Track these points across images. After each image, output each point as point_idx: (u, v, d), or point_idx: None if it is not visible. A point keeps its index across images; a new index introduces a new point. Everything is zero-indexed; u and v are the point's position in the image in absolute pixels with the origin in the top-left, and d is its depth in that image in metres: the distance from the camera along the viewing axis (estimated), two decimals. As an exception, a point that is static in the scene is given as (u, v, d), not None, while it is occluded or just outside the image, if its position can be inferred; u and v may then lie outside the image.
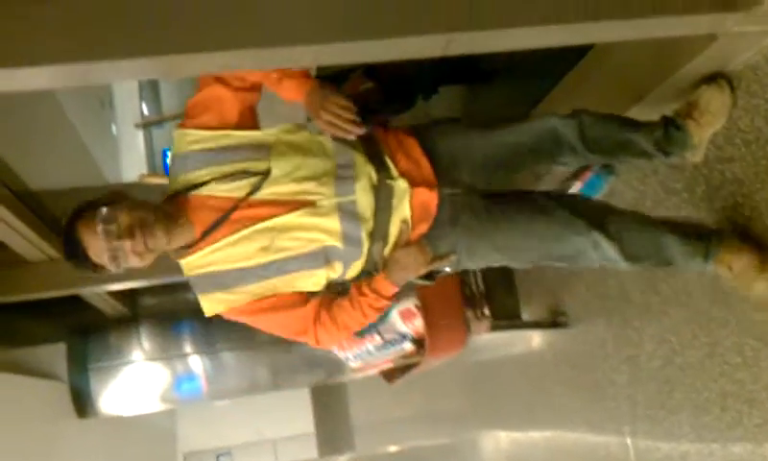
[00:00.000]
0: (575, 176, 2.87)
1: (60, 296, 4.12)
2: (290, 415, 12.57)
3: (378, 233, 1.99)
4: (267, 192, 1.89)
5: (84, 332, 5.30)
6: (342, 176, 1.94)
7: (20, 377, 5.09)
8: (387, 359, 3.82)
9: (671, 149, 2.19)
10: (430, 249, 2.06)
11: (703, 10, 1.68)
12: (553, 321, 3.77)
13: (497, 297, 4.03)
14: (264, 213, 1.89)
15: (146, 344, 5.37)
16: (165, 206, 1.91)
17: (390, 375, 4.09)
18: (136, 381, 5.38)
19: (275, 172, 1.89)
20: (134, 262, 1.83)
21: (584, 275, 3.42)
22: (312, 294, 2.05)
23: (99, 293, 4.55)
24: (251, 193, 1.88)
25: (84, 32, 1.43)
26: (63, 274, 3.89)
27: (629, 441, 3.24)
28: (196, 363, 5.42)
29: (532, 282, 4.08)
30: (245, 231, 1.89)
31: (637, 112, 2.38)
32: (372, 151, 2.02)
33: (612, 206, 2.24)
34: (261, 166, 1.89)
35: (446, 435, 6.54)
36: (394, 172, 1.99)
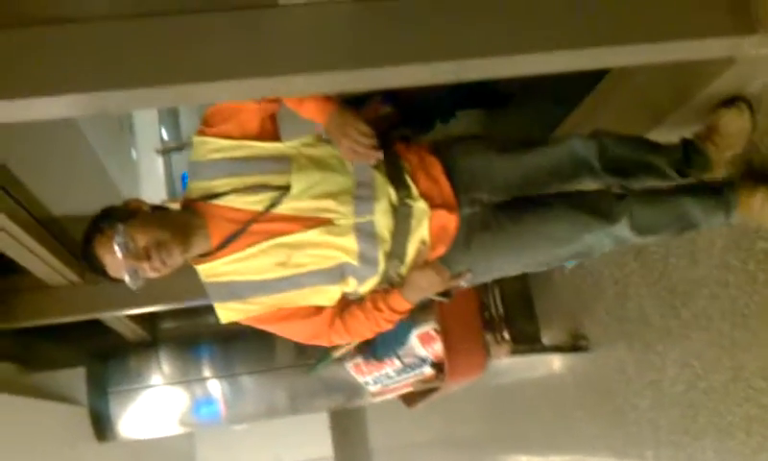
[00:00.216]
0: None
1: (80, 320, 4.13)
2: (308, 439, 12.51)
3: (395, 253, 1.98)
4: (286, 207, 1.88)
5: (104, 356, 5.33)
6: (361, 195, 1.93)
7: (40, 402, 5.10)
8: (406, 383, 3.80)
9: (690, 172, 2.19)
10: (447, 269, 2.05)
11: (720, 33, 1.68)
12: (573, 345, 3.74)
13: (517, 321, 4.01)
14: (282, 228, 1.88)
15: (165, 368, 5.39)
16: (181, 217, 1.91)
17: (410, 399, 4.07)
18: (156, 405, 5.39)
19: (294, 188, 1.88)
20: (153, 275, 1.84)
21: (604, 298, 3.40)
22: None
23: (119, 317, 4.56)
24: (270, 207, 1.88)
25: (102, 61, 1.45)
26: (84, 298, 3.92)
27: (652, 467, 3.20)
28: (215, 387, 5.43)
29: (552, 306, 4.05)
30: (262, 245, 1.88)
31: (657, 135, 2.36)
32: (393, 168, 2.01)
33: (624, 181, 2.20)
34: (281, 180, 1.88)
35: (466, 460, 6.48)
36: (414, 192, 1.98)
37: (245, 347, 5.46)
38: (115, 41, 1.48)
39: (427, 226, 1.99)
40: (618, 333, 3.31)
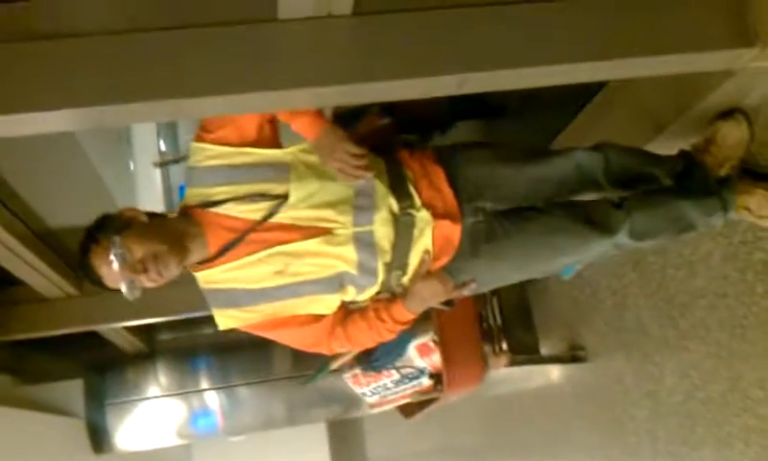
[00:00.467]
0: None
1: (77, 332, 4.13)
2: (306, 450, 12.47)
3: (396, 263, 1.96)
4: (284, 216, 1.87)
5: (101, 368, 5.33)
6: (360, 205, 1.92)
7: (37, 414, 5.09)
8: (404, 394, 3.79)
9: (689, 183, 2.19)
10: (451, 278, 2.04)
11: (719, 46, 1.69)
12: (572, 355, 3.73)
13: (515, 331, 4.01)
14: (280, 238, 1.87)
15: (163, 379, 5.39)
16: (178, 225, 1.90)
17: (407, 410, 4.06)
18: (153, 417, 5.39)
19: (292, 197, 1.86)
20: (150, 286, 1.84)
21: (602, 309, 3.40)
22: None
23: (116, 329, 4.56)
24: (268, 217, 1.87)
25: (99, 75, 1.46)
26: (81, 310, 3.92)
27: (650, 477, 3.20)
28: (212, 399, 5.43)
29: (550, 316, 4.05)
30: (260, 254, 1.87)
31: (655, 147, 2.37)
32: (396, 177, 1.99)
33: (625, 192, 2.20)
34: (280, 189, 1.87)
35: (464, 470, 6.48)
36: (417, 202, 1.96)
37: (242, 358, 5.46)
38: (113, 56, 1.49)
39: (430, 236, 1.97)
40: (616, 344, 3.31)
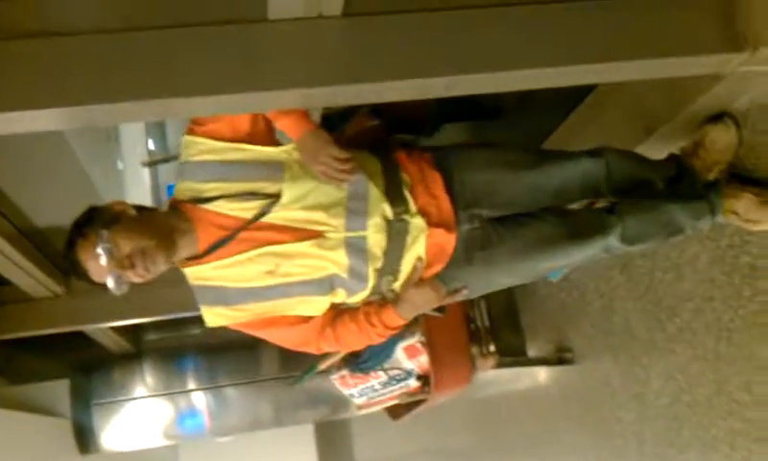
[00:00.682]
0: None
1: (63, 332, 4.11)
2: (293, 451, 12.45)
3: (388, 269, 1.95)
4: (275, 216, 1.85)
5: (88, 369, 5.30)
6: (353, 209, 1.89)
7: (23, 414, 5.06)
8: (392, 396, 3.79)
9: (679, 188, 2.21)
10: (443, 285, 2.02)
11: (708, 50, 1.70)
12: (559, 357, 3.74)
13: (503, 333, 4.01)
14: (271, 238, 1.85)
15: (149, 380, 5.36)
16: (168, 220, 1.88)
17: (395, 411, 4.06)
18: (139, 417, 5.36)
19: (285, 197, 1.84)
20: (137, 281, 1.82)
21: (589, 311, 3.41)
22: None
23: (103, 329, 4.53)
24: (259, 216, 1.85)
25: (89, 74, 1.45)
26: (67, 310, 3.90)
27: (637, 479, 3.21)
28: (199, 399, 5.41)
29: (537, 319, 4.06)
30: (250, 253, 1.85)
31: (643, 150, 2.38)
32: (392, 180, 1.96)
33: (611, 197, 2.21)
34: (272, 188, 1.85)
35: (451, 472, 6.48)
36: (412, 208, 1.94)
37: (229, 359, 5.44)
38: (102, 55, 1.48)
39: (424, 244, 1.96)
40: (604, 346, 3.32)
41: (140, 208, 1.91)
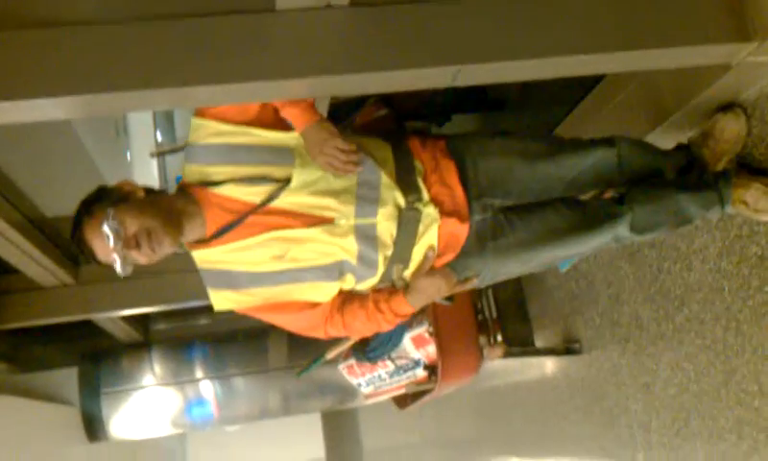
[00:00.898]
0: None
1: (72, 321, 4.13)
2: (301, 440, 12.50)
3: (398, 257, 1.94)
4: (284, 201, 1.83)
5: (96, 357, 5.34)
6: (364, 196, 1.88)
7: (32, 402, 5.10)
8: (399, 385, 3.80)
9: (689, 178, 2.21)
10: (454, 274, 2.02)
11: (717, 40, 1.69)
12: (566, 347, 3.74)
13: (510, 323, 4.01)
14: (280, 222, 1.83)
15: (157, 369, 5.39)
16: (176, 202, 1.86)
17: (402, 401, 4.07)
18: (148, 406, 5.39)
19: (294, 182, 1.82)
20: (143, 262, 1.80)
21: (597, 301, 3.41)
22: None
23: (111, 318, 4.56)
24: (268, 201, 1.83)
25: (96, 64, 1.46)
26: (76, 299, 3.92)
27: (644, 469, 3.22)
28: (207, 388, 5.43)
29: (545, 309, 4.06)
30: (259, 238, 1.83)
31: (653, 139, 2.38)
32: (405, 168, 1.95)
33: (623, 186, 2.21)
34: (281, 173, 1.83)
35: (458, 461, 6.50)
36: (425, 196, 1.92)
37: (237, 348, 5.47)
38: (109, 44, 1.48)
39: (436, 233, 1.95)
40: (611, 336, 3.32)
41: (149, 191, 1.89)
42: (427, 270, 1.99)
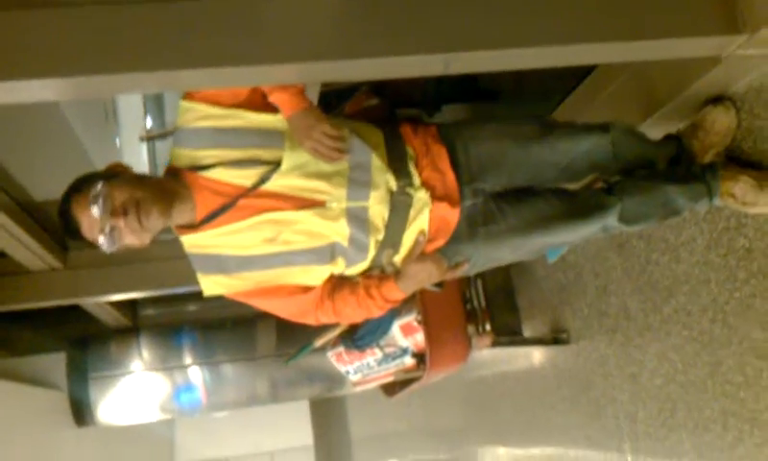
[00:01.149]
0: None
1: (60, 306, 4.12)
2: (289, 427, 12.52)
3: (389, 242, 1.94)
4: (275, 184, 1.82)
5: (84, 342, 5.32)
6: (356, 179, 1.88)
7: (20, 386, 5.09)
8: (387, 373, 3.81)
9: (678, 169, 2.22)
10: (445, 260, 2.02)
11: (707, 32, 1.70)
12: (554, 338, 3.76)
13: (499, 313, 4.03)
14: (271, 205, 1.83)
15: (146, 354, 5.38)
16: (166, 183, 1.85)
17: (390, 388, 4.08)
18: (136, 391, 5.39)
19: (285, 164, 1.82)
20: (131, 240, 1.77)
21: (585, 292, 3.42)
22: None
23: (100, 303, 4.55)
24: (259, 184, 1.82)
25: (89, 45, 1.45)
26: (64, 284, 3.90)
27: (629, 458, 3.23)
28: (195, 374, 5.43)
29: (533, 299, 4.08)
30: (250, 221, 1.83)
31: (643, 130, 2.38)
32: (396, 151, 1.95)
33: (613, 178, 2.22)
34: (271, 156, 1.83)
35: (446, 450, 6.51)
36: (416, 181, 1.93)
37: (226, 335, 5.47)
38: (100, 26, 1.48)
39: (427, 217, 1.95)
40: (599, 327, 3.33)
41: (140, 175, 1.89)
42: (418, 255, 1.99)
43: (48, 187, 3.60)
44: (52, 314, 4.38)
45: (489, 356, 4.59)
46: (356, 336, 3.64)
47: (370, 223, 1.89)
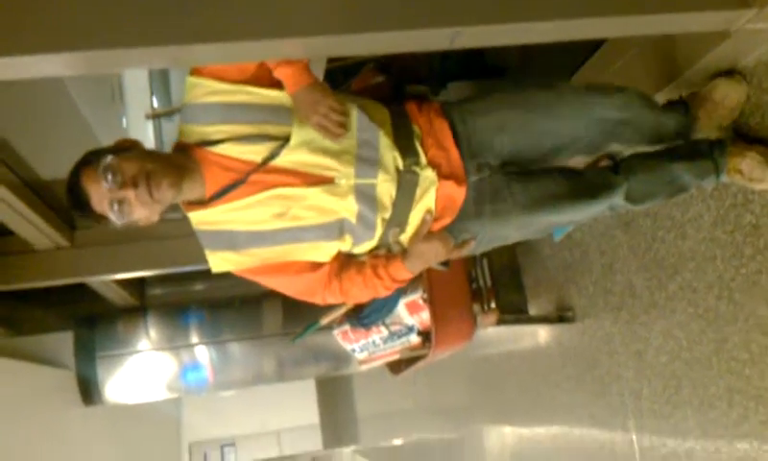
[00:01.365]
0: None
1: (67, 284, 4.14)
2: (295, 406, 12.60)
3: (395, 221, 1.93)
4: (284, 160, 1.82)
5: (92, 321, 5.36)
6: (364, 156, 1.87)
7: (28, 365, 5.13)
8: (393, 351, 3.81)
9: (683, 147, 2.21)
10: (452, 238, 2.01)
11: (716, 6, 1.68)
12: (559, 316, 3.76)
13: (504, 291, 4.03)
14: (281, 180, 1.82)
15: (153, 333, 5.42)
16: (175, 158, 1.84)
17: (395, 366, 4.09)
18: (143, 370, 5.43)
19: (294, 140, 1.81)
20: (140, 214, 1.76)
21: (591, 270, 3.42)
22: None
23: (107, 282, 4.57)
24: (268, 159, 1.82)
25: (96, 20, 1.44)
26: (72, 262, 3.92)
27: (634, 436, 3.24)
28: (202, 353, 5.47)
29: (539, 277, 4.08)
30: (260, 196, 1.82)
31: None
32: (402, 129, 1.94)
33: (617, 154, 2.20)
34: (279, 131, 1.82)
35: (451, 429, 6.55)
36: (423, 160, 1.92)
37: (233, 314, 5.49)
38: (108, 1, 1.47)
39: (434, 196, 1.94)
40: (604, 305, 3.34)
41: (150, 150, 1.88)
42: (425, 234, 1.99)
43: (55, 166, 3.62)
44: (59, 293, 4.40)
45: (494, 335, 4.60)
46: (362, 314, 3.65)
47: (377, 200, 1.89)
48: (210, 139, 1.84)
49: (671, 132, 2.19)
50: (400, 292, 3.51)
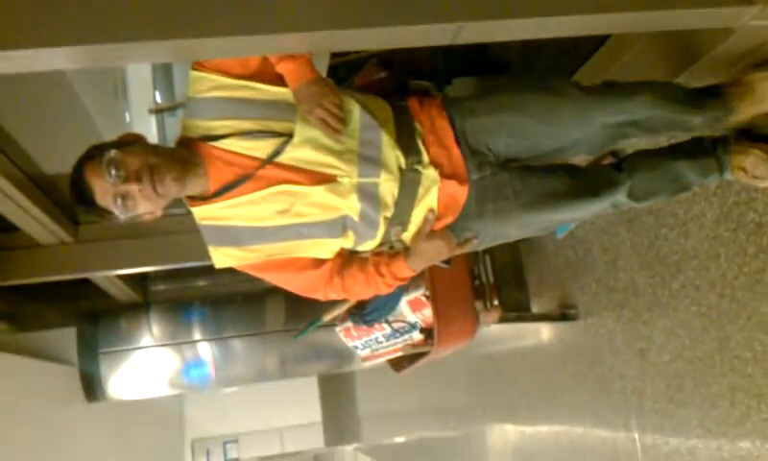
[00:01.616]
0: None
1: (71, 280, 4.14)
2: (297, 403, 12.61)
3: (397, 219, 1.94)
4: (289, 156, 1.82)
5: (95, 317, 5.36)
6: (366, 156, 1.87)
7: (31, 360, 5.13)
8: (395, 348, 3.82)
9: (687, 144, 2.20)
10: (454, 237, 2.02)
11: (720, 3, 1.68)
12: (562, 313, 3.76)
13: (507, 288, 4.03)
14: (285, 177, 1.82)
15: (156, 329, 5.42)
16: (179, 152, 1.84)
17: (398, 364, 4.09)
18: (145, 366, 5.43)
19: (297, 136, 1.81)
20: (144, 208, 1.77)
21: (594, 268, 3.42)
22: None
23: (110, 278, 4.57)
24: (273, 156, 1.82)
25: (99, 14, 1.44)
26: (75, 258, 3.92)
27: (636, 435, 3.24)
28: (205, 350, 5.47)
29: (542, 274, 4.07)
30: (264, 192, 1.83)
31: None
32: (405, 128, 1.94)
33: (620, 151, 2.19)
34: (283, 127, 1.82)
35: (453, 426, 6.54)
36: (425, 159, 1.92)
37: (235, 310, 5.50)
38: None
39: (436, 195, 1.94)
40: (607, 303, 3.33)
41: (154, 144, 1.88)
42: (427, 233, 1.99)
43: (59, 161, 3.62)
44: (62, 289, 4.41)
45: (497, 332, 4.59)
46: (365, 312, 3.65)
47: (380, 199, 1.90)
48: (214, 134, 1.84)
49: (692, 127, 2.09)
50: (403, 289, 3.51)
